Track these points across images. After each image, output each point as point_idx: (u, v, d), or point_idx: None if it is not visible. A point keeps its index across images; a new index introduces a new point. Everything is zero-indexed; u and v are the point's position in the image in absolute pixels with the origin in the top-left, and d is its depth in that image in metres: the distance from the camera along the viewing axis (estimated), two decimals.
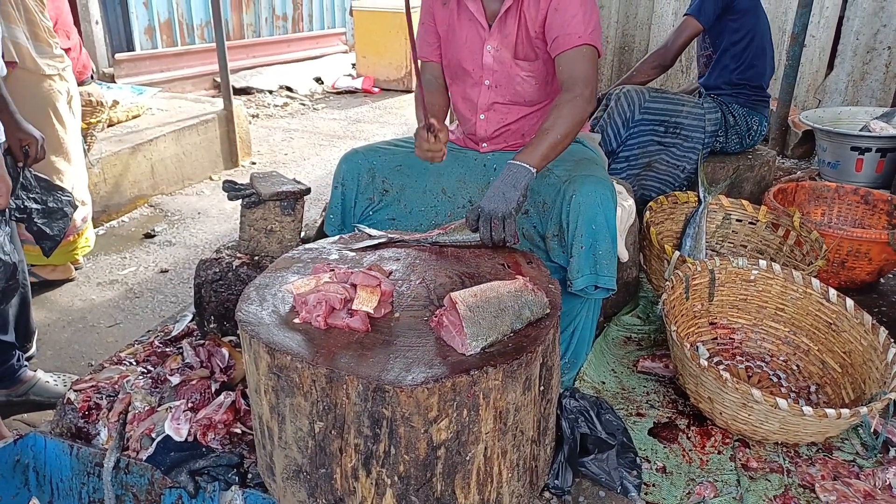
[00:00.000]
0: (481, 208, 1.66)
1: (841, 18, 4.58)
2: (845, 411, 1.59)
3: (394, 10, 7.53)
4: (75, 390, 1.82)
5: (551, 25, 1.84)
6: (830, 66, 4.72)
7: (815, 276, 2.10)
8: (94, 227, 3.81)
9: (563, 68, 1.84)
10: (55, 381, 2.32)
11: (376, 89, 7.67)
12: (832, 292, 1.99)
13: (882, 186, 3.42)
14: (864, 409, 1.60)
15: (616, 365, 2.13)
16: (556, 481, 1.57)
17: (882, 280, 2.71)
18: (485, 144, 2.09)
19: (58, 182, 2.87)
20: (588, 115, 1.83)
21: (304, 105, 7.04)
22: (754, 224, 2.63)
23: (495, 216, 1.64)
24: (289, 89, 7.36)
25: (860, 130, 3.59)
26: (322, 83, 7.77)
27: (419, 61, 2.14)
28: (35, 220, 2.16)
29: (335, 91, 7.62)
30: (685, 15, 2.95)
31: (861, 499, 1.59)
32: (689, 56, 4.71)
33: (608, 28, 5.56)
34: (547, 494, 1.58)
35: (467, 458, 1.28)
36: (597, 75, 1.87)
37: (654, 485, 1.65)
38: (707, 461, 1.74)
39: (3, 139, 1.90)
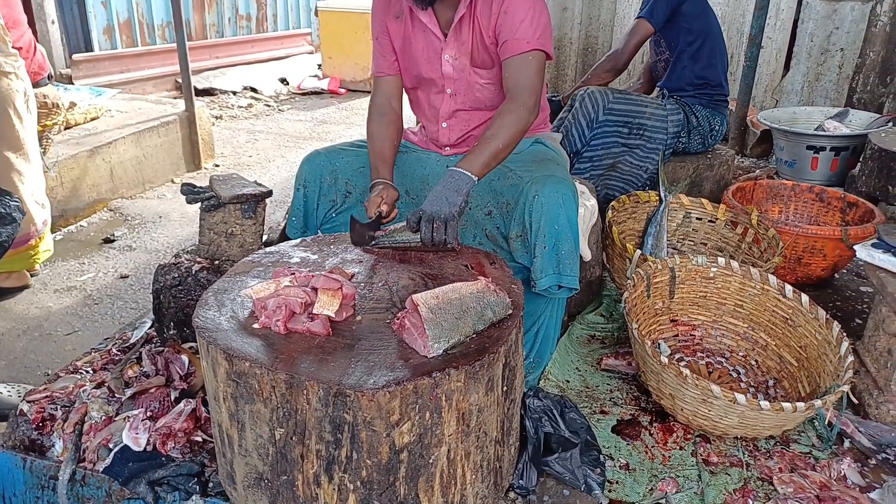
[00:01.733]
0: (423, 210, 1.63)
1: (796, 21, 4.71)
2: (801, 405, 1.63)
3: (360, 11, 7.49)
4: (28, 401, 1.77)
5: (501, 29, 1.85)
6: (787, 68, 4.84)
7: (772, 273, 2.15)
8: (52, 233, 3.71)
9: (508, 75, 1.84)
10: (8, 391, 2.25)
11: (342, 90, 7.61)
12: (788, 288, 2.04)
13: (836, 184, 3.52)
14: (818, 402, 1.64)
15: (580, 363, 2.15)
16: (520, 481, 1.57)
17: (836, 276, 2.79)
18: (447, 148, 2.09)
19: (18, 183, 2.80)
20: (530, 123, 1.83)
21: (268, 106, 6.95)
22: (714, 222, 2.68)
23: (437, 217, 1.61)
24: (253, 90, 7.26)
25: (815, 130, 3.69)
26: (287, 84, 7.69)
27: (373, 78, 2.11)
28: None
29: (301, 92, 7.54)
30: (637, 18, 2.99)
31: (817, 490, 1.63)
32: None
33: (572, 30, 5.62)
34: (512, 495, 1.58)
35: (430, 460, 1.28)
36: (542, 82, 1.87)
37: (617, 482, 1.67)
38: (669, 457, 1.76)
39: None
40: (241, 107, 6.79)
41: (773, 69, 4.90)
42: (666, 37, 3.04)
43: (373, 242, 1.71)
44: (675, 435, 1.83)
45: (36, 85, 3.35)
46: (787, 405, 1.62)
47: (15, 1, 3.09)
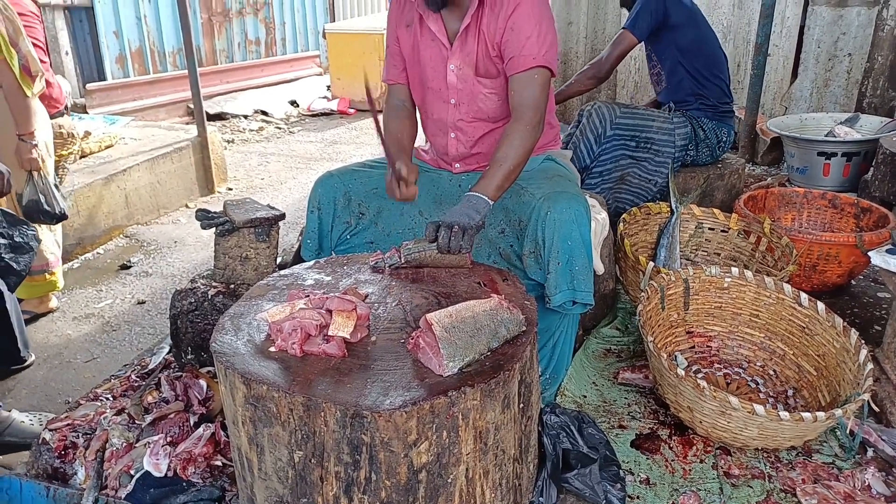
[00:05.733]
0: (442, 220, 1.66)
1: (802, 28, 4.71)
2: (821, 414, 1.61)
3: (367, 32, 7.60)
4: (50, 429, 1.78)
5: (507, 45, 1.87)
6: (795, 74, 4.84)
7: (787, 282, 2.14)
8: (69, 261, 3.76)
9: (514, 92, 1.87)
10: (31, 420, 2.28)
11: (352, 110, 7.70)
12: (804, 297, 2.03)
13: (849, 190, 3.50)
14: (839, 412, 1.62)
15: (597, 378, 2.14)
16: (540, 499, 1.56)
17: (853, 282, 2.76)
18: (457, 165, 2.10)
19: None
20: (537, 140, 1.85)
21: (279, 129, 7.04)
22: (726, 232, 2.67)
23: (457, 224, 1.64)
24: (264, 113, 7.36)
25: (826, 136, 3.68)
26: (297, 106, 7.79)
27: (387, 85, 2.15)
28: (2, 255, 2.14)
29: (311, 113, 7.63)
30: (622, 28, 3.01)
31: (842, 500, 1.61)
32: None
33: (577, 44, 5.65)
34: None
35: (449, 480, 1.28)
36: (546, 98, 1.89)
37: (638, 497, 1.66)
38: (690, 470, 1.75)
39: None
40: (253, 130, 6.88)
41: (780, 76, 4.90)
42: (655, 50, 3.07)
43: (390, 264, 1.71)
44: (694, 448, 1.82)
45: (52, 117, 3.43)
46: (807, 415, 1.61)
47: (38, 32, 3.16)
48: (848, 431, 1.79)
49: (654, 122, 2.89)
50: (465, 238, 1.63)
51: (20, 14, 2.76)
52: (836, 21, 4.51)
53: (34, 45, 2.81)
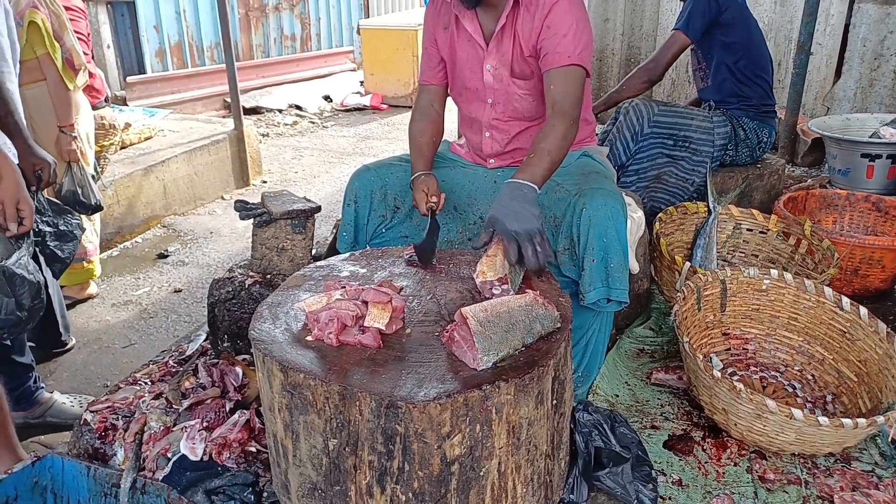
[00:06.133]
0: (516, 232, 1.54)
1: (847, 26, 4.58)
2: (861, 421, 1.57)
3: (400, 28, 7.62)
4: (91, 411, 1.84)
5: (543, 43, 1.86)
6: (838, 74, 4.71)
7: (827, 285, 2.09)
8: (109, 249, 3.86)
9: (552, 88, 1.84)
10: (71, 402, 2.35)
11: (385, 106, 7.73)
12: (845, 301, 1.98)
13: (894, 193, 3.39)
14: (880, 419, 1.58)
15: (629, 377, 2.12)
16: (571, 496, 1.56)
17: None
18: (492, 160, 2.10)
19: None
20: (575, 135, 1.82)
21: (313, 123, 7.10)
22: (765, 233, 2.62)
23: (534, 235, 1.54)
24: (298, 108, 7.44)
25: (870, 137, 3.58)
26: (331, 101, 7.85)
27: (419, 84, 2.17)
28: (48, 242, 2.20)
29: (344, 108, 7.69)
30: (673, 30, 2.95)
31: None
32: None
33: (614, 41, 5.59)
34: None
35: (481, 473, 1.28)
36: (582, 95, 1.86)
37: (670, 498, 1.64)
38: (723, 473, 1.72)
39: (17, 162, 1.94)
40: (287, 124, 6.96)
41: (823, 76, 4.78)
42: (702, 48, 3.00)
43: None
44: (729, 451, 1.79)
45: (94, 108, 3.52)
46: (847, 421, 1.57)
47: (81, 25, 3.24)
48: (889, 440, 1.75)
49: (692, 121, 2.84)
50: (548, 245, 1.56)
51: (66, 8, 2.84)
52: (884, 19, 4.38)
53: (78, 38, 2.88)
